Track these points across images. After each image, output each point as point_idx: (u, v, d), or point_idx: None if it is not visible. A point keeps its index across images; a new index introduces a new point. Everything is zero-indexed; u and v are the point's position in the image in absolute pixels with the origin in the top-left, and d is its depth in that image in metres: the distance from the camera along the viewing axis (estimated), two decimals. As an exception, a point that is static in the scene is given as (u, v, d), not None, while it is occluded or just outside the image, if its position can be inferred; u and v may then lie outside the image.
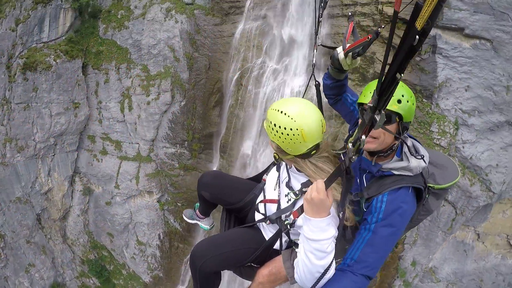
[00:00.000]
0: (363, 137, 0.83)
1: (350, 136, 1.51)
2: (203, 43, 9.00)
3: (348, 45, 1.39)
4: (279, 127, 1.23)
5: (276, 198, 1.47)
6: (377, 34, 1.32)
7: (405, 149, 1.34)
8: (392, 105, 1.20)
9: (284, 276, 1.43)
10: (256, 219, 1.58)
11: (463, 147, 7.22)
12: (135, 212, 11.43)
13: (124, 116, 10.66)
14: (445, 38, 6.37)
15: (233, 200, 1.72)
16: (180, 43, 9.08)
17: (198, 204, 2.12)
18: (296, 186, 1.39)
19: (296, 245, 1.41)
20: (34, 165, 10.85)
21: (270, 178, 1.60)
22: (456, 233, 8.84)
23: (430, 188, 1.36)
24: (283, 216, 1.39)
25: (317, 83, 1.64)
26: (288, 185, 1.43)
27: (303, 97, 1.47)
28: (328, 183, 1.07)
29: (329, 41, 7.19)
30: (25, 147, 10.47)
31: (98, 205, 12.02)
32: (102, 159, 11.55)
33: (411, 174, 1.27)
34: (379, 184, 1.28)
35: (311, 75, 1.73)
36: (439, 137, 6.83)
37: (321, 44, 1.73)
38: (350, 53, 1.38)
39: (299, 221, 1.26)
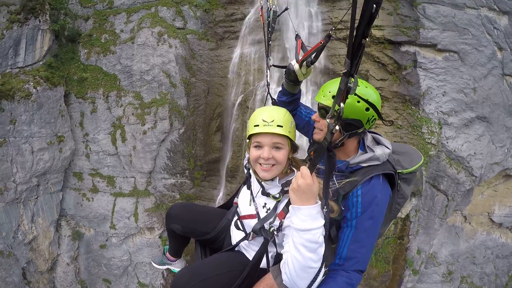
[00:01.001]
0: (342, 104, 0.90)
1: (312, 145, 1.63)
2: (199, 68, 9.13)
3: (300, 56, 1.51)
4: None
5: (254, 212, 1.47)
6: (329, 37, 1.40)
7: (367, 142, 1.44)
8: (326, 101, 1.34)
9: None
10: (236, 241, 1.55)
11: (447, 143, 8.55)
12: (134, 252, 10.73)
13: (116, 149, 9.99)
14: (422, 54, 7.68)
15: (206, 229, 1.69)
16: (176, 68, 8.96)
17: (168, 246, 2.08)
18: (274, 191, 1.42)
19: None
20: (15, 211, 9.77)
21: (243, 198, 1.61)
22: (448, 218, 10.08)
23: (399, 174, 1.45)
24: (266, 225, 1.37)
25: (273, 100, 1.80)
26: (265, 192, 1.45)
27: None
28: (312, 168, 1.09)
29: (328, 62, 8.03)
30: (4, 190, 9.23)
31: (90, 250, 11.15)
32: (93, 198, 10.66)
33: (379, 162, 1.36)
34: (350, 181, 1.34)
35: (267, 94, 1.88)
36: (429, 136, 8.05)
37: (272, 65, 1.87)
38: (305, 62, 1.49)
39: (287, 220, 1.26)
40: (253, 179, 1.56)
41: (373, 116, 1.39)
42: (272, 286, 1.37)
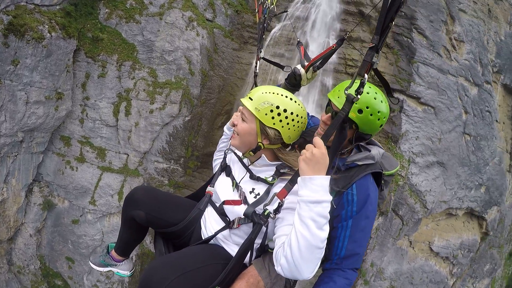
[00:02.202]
0: (366, 75, 1.02)
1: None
2: (220, 63, 10.16)
3: (305, 61, 1.61)
4: (291, 113, 1.33)
5: (238, 198, 1.44)
6: (342, 41, 1.53)
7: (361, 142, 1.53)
8: (351, 113, 1.32)
9: (263, 287, 1.34)
10: (212, 232, 1.48)
11: (412, 177, 11.05)
12: (107, 232, 11.10)
13: (117, 121, 10.09)
14: (408, 103, 10.03)
15: (173, 219, 1.58)
16: (199, 57, 9.66)
17: (113, 243, 1.92)
18: (267, 174, 1.42)
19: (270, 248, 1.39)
20: None
21: (221, 185, 1.57)
22: (398, 241, 12.67)
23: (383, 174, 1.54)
24: (258, 209, 1.33)
25: None
26: (254, 176, 1.44)
27: None
28: (325, 138, 1.13)
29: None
30: None
31: (59, 223, 10.92)
32: (77, 167, 10.50)
33: (374, 162, 1.46)
34: (346, 177, 1.42)
35: (253, 85, 1.97)
36: (400, 169, 10.37)
37: (262, 58, 2.00)
38: (311, 67, 1.58)
39: (290, 197, 1.21)
40: (235, 165, 1.58)
41: (381, 126, 1.46)
42: (256, 279, 1.34)
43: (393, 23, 1.00)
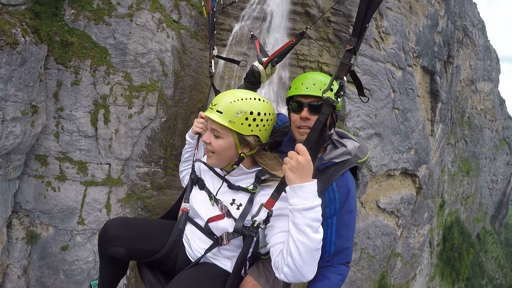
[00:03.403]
0: (345, 78, 1.13)
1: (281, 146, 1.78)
2: (189, 63, 12.02)
3: (264, 58, 1.78)
4: (264, 114, 1.43)
5: (220, 212, 1.51)
6: (301, 35, 1.72)
7: (334, 136, 1.67)
8: (315, 92, 1.49)
9: None
10: (199, 252, 1.55)
11: (358, 149, 15.05)
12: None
13: (96, 130, 10.42)
14: (349, 88, 13.49)
15: (155, 246, 1.59)
16: (171, 59, 10.91)
17: (96, 281, 2.81)
18: (246, 183, 1.49)
19: (264, 254, 1.50)
20: None
21: (197, 200, 1.63)
22: (354, 203, 16.91)
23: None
24: (247, 221, 1.42)
25: (217, 92, 2.02)
26: (233, 186, 1.51)
27: None
28: (307, 143, 1.21)
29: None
30: None
31: (46, 254, 10.59)
32: (59, 187, 10.19)
33: (351, 156, 1.61)
34: (325, 175, 1.54)
35: (210, 85, 2.10)
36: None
37: (216, 56, 2.15)
38: (270, 63, 1.73)
39: (275, 208, 1.31)
40: (207, 176, 1.65)
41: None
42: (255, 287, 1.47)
43: (369, 24, 1.08)
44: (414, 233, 23.10)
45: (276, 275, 1.28)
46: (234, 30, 12.60)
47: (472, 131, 39.24)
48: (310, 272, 1.23)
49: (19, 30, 8.18)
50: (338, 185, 1.54)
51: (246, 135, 1.44)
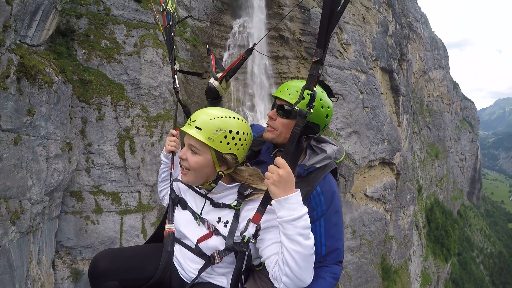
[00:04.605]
0: (314, 89, 1.28)
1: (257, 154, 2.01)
2: (193, 92, 15.06)
3: (219, 74, 2.03)
4: (243, 133, 1.57)
5: (207, 231, 1.62)
6: (250, 51, 1.93)
7: (312, 142, 1.84)
8: (290, 98, 1.66)
9: None
10: (192, 272, 1.67)
11: (342, 145, 19.02)
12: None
13: (124, 161, 12.00)
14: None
15: (148, 272, 1.71)
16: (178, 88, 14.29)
17: None
18: (229, 199, 1.61)
19: (258, 265, 1.63)
20: (26, 247, 8.93)
21: (183, 222, 1.74)
22: (346, 195, 20.37)
23: None
24: (236, 236, 1.53)
25: (185, 108, 2.29)
26: (217, 204, 1.63)
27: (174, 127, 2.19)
28: (286, 156, 1.34)
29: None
30: (20, 213, 8.43)
31: None
32: (97, 220, 11.33)
33: (331, 160, 1.80)
34: (307, 181, 1.69)
35: (177, 102, 2.29)
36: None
37: (178, 70, 2.36)
38: (224, 78, 2.00)
39: (266, 217, 1.44)
40: (188, 195, 1.77)
41: (325, 124, 1.79)
42: None
43: (332, 35, 1.25)
44: (402, 215, 27.61)
45: (275, 285, 1.42)
46: (224, 59, 15.92)
47: (433, 117, 46.59)
48: (308, 277, 1.37)
49: (51, 69, 9.17)
50: (322, 188, 1.70)
51: (224, 153, 1.55)
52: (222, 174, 1.57)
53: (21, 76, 8.23)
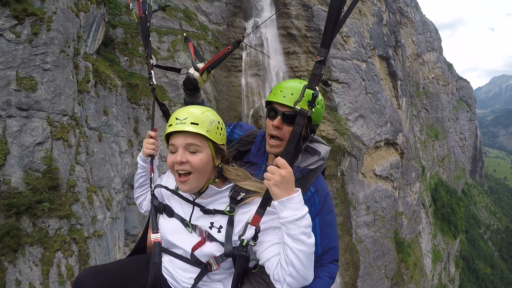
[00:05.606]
0: (317, 89, 1.38)
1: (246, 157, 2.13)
2: (221, 89, 18.34)
3: (201, 64, 2.08)
4: (223, 123, 1.70)
5: (199, 239, 1.66)
6: (238, 43, 1.99)
7: (305, 144, 1.92)
8: (303, 104, 1.57)
9: None
10: (186, 280, 1.71)
11: (351, 128, 22.37)
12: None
13: None
14: (333, 84, 21.00)
15: (139, 284, 1.74)
16: (210, 87, 17.36)
17: None
18: (221, 206, 1.66)
19: (254, 267, 1.72)
20: (112, 231, 10.39)
21: (171, 230, 1.77)
22: (358, 175, 23.90)
23: None
24: (234, 241, 1.59)
25: (163, 108, 2.36)
26: (208, 211, 1.67)
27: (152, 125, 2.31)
28: (286, 156, 1.41)
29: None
30: (111, 200, 9.84)
31: None
32: None
33: (324, 161, 1.94)
34: (300, 181, 1.79)
35: (154, 100, 2.34)
36: (344, 125, 21.21)
37: (155, 65, 2.41)
38: (206, 70, 2.05)
39: (261, 222, 1.50)
40: (173, 201, 1.83)
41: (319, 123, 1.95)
42: None
43: (335, 34, 1.34)
44: (409, 192, 31.45)
45: (277, 287, 1.50)
46: (243, 57, 19.16)
47: (430, 99, 51.03)
48: (311, 275, 1.47)
49: (113, 75, 11.53)
50: (316, 188, 1.83)
51: (220, 144, 1.63)
52: (220, 166, 1.69)
53: (97, 81, 10.48)
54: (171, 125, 1.61)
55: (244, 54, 19.61)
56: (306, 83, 1.62)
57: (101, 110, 10.52)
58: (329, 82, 20.97)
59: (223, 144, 1.68)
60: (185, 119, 1.58)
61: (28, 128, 9.16)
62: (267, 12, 21.23)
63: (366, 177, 25.70)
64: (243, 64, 19.30)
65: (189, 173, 1.59)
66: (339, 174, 21.95)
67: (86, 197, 9.81)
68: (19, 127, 9.01)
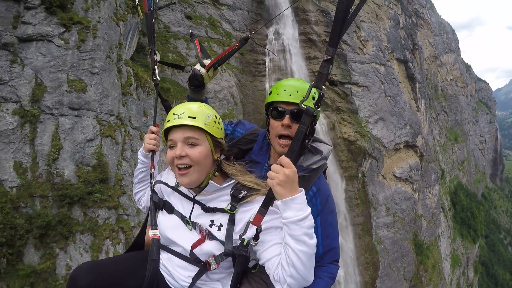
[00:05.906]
0: (324, 88, 1.38)
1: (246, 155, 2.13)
2: (246, 93, 19.14)
3: (207, 60, 2.10)
4: (219, 118, 1.73)
5: (199, 236, 1.65)
6: (245, 40, 1.98)
7: (309, 144, 1.93)
8: (309, 103, 1.55)
9: None
10: (184, 279, 1.69)
11: (371, 131, 22.77)
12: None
13: None
14: (353, 88, 21.52)
15: (134, 283, 1.71)
16: (237, 91, 18.10)
17: None
18: (222, 204, 1.66)
19: (253, 267, 1.70)
20: None
21: (170, 227, 1.77)
22: (378, 176, 24.19)
23: None
24: (234, 240, 1.58)
25: (166, 103, 2.41)
26: (208, 208, 1.67)
27: (154, 122, 2.34)
28: (291, 155, 1.41)
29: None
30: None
31: None
32: None
33: (326, 161, 1.93)
34: (302, 181, 1.72)
35: (157, 95, 2.34)
36: (364, 128, 21.65)
37: (159, 61, 2.45)
38: (213, 66, 2.05)
39: (269, 221, 1.51)
40: (173, 198, 1.82)
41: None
42: None
43: (343, 33, 1.37)
44: (428, 194, 31.36)
45: (277, 287, 1.50)
46: (267, 63, 19.94)
47: (449, 101, 50.46)
48: (312, 276, 1.47)
49: (149, 79, 12.03)
50: (317, 188, 1.83)
51: (218, 138, 1.66)
52: (220, 160, 1.70)
53: (138, 84, 11.46)
54: (169, 120, 1.66)
55: (267, 60, 20.31)
56: (305, 82, 1.76)
57: (141, 112, 11.47)
58: (336, 82, 21.42)
59: (221, 138, 1.71)
60: (182, 113, 1.62)
61: (80, 126, 10.12)
62: (289, 20, 22.01)
63: (386, 178, 25.90)
64: (266, 69, 20.04)
65: (189, 166, 1.61)
66: (360, 175, 22.31)
67: (132, 190, 10.80)
68: (71, 125, 9.94)
